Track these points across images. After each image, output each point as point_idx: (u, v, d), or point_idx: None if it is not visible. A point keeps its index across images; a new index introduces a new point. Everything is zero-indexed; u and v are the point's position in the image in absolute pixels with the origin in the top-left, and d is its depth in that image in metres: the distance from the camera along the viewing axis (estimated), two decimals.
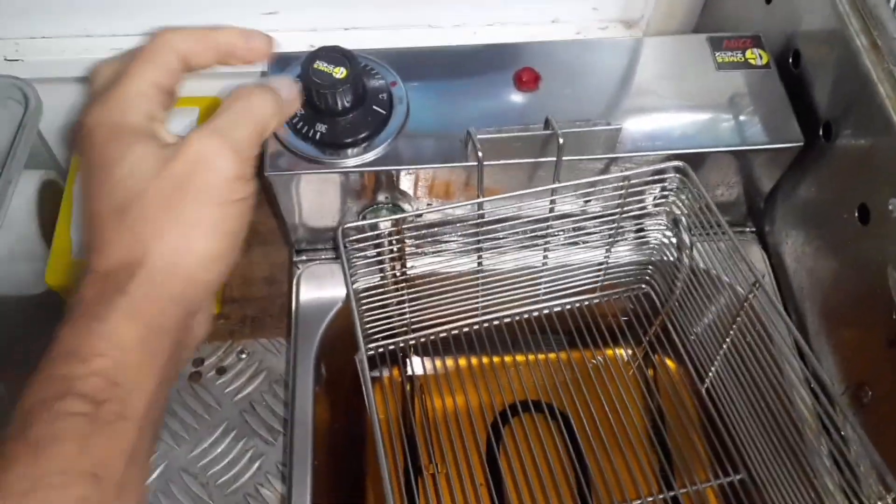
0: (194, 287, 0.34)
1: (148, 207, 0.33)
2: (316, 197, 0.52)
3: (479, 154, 0.47)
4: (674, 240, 0.55)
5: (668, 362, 0.65)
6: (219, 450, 0.56)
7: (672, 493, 0.53)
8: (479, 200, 0.49)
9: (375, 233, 0.51)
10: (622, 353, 0.66)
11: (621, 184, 0.51)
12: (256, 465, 0.55)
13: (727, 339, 0.50)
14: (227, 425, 0.57)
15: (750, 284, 0.46)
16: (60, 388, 0.29)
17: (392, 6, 0.65)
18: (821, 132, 0.51)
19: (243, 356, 0.61)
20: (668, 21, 0.68)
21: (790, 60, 0.54)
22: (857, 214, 0.47)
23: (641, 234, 0.57)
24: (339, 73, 0.45)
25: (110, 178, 0.33)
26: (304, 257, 0.60)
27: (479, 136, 0.47)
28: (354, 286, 0.49)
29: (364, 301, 0.53)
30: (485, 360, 0.61)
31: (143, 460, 0.32)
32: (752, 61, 0.54)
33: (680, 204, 0.53)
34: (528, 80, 0.52)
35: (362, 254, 0.52)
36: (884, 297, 0.44)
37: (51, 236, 0.60)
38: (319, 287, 0.59)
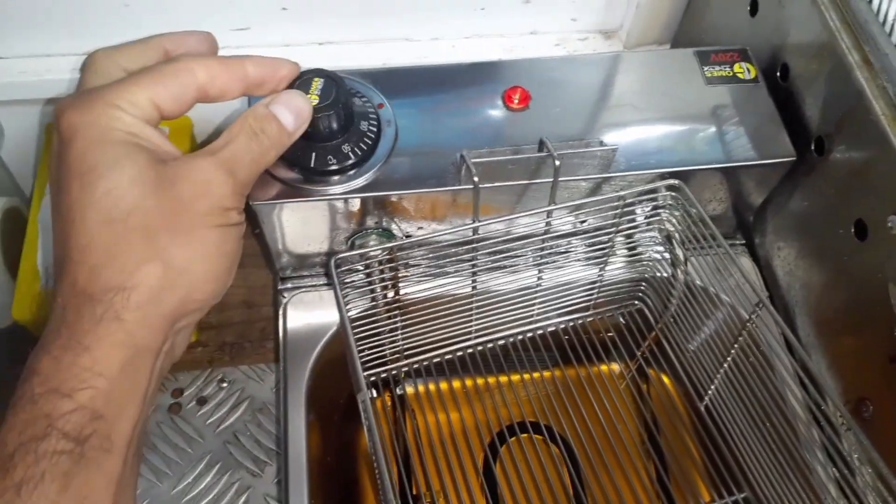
0: (188, 307, 0.33)
1: (146, 225, 0.31)
2: (303, 225, 0.50)
3: (475, 178, 0.46)
4: (667, 255, 0.55)
5: (664, 378, 0.65)
6: (203, 484, 0.54)
7: None
8: (474, 225, 0.48)
9: (368, 261, 0.49)
10: (615, 367, 0.66)
11: (615, 203, 0.50)
12: (243, 498, 0.54)
13: (728, 359, 0.50)
14: (211, 458, 0.55)
15: (753, 305, 0.45)
16: (42, 429, 0.28)
17: (368, 20, 0.64)
18: (812, 147, 0.51)
19: (224, 385, 0.59)
20: (647, 31, 0.67)
21: (778, 74, 0.54)
22: (853, 230, 0.47)
23: (634, 250, 0.57)
24: (327, 97, 0.43)
25: (96, 188, 0.31)
26: (289, 285, 0.58)
27: (473, 160, 0.46)
28: (349, 315, 0.47)
29: (356, 330, 0.52)
30: (479, 381, 0.60)
31: (129, 488, 0.32)
32: (740, 75, 0.54)
33: (673, 220, 0.52)
34: (518, 99, 0.51)
35: (353, 282, 0.50)
36: (884, 312, 0.44)
37: (15, 268, 0.58)
38: (307, 315, 0.57)
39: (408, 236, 0.53)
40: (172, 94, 0.34)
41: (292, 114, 0.38)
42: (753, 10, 0.56)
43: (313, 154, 0.46)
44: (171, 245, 0.32)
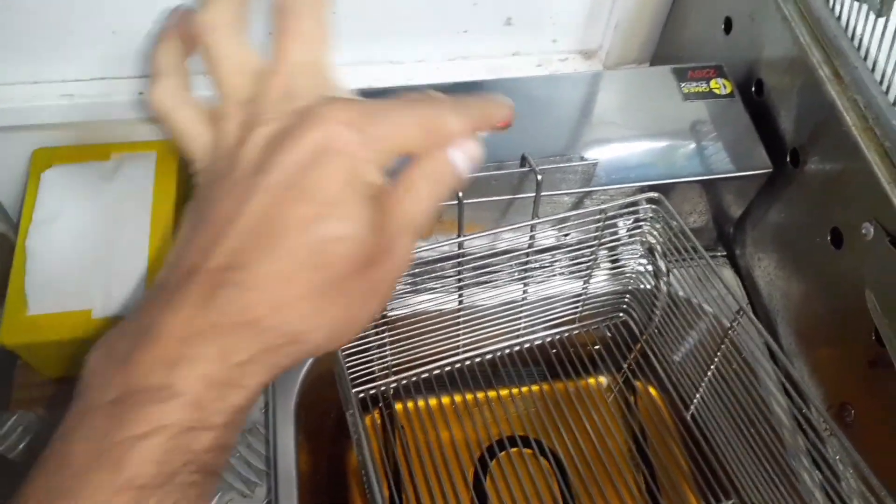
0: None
1: (346, 287, 0.29)
2: None
3: (459, 194, 0.46)
4: (650, 268, 0.56)
5: (651, 390, 0.65)
6: None
7: None
8: (459, 239, 0.49)
9: None
10: (602, 380, 0.66)
11: (597, 216, 0.51)
12: None
13: (711, 367, 0.50)
14: None
15: (734, 312, 0.46)
16: (183, 459, 0.27)
17: (354, 43, 0.65)
18: (788, 158, 0.52)
19: None
20: (626, 51, 0.69)
21: (753, 89, 0.55)
22: (829, 238, 0.48)
23: (617, 263, 0.58)
24: None
25: (318, 229, 0.28)
26: None
27: None
28: None
29: (345, 348, 0.52)
30: (468, 396, 0.60)
31: None
32: (716, 91, 0.55)
33: (655, 233, 0.53)
34: None
35: None
36: (862, 318, 0.45)
37: (2, 292, 0.57)
38: None
39: None
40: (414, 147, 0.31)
41: (470, 160, 0.32)
42: (727, 27, 0.58)
43: None
44: (344, 312, 0.30)
